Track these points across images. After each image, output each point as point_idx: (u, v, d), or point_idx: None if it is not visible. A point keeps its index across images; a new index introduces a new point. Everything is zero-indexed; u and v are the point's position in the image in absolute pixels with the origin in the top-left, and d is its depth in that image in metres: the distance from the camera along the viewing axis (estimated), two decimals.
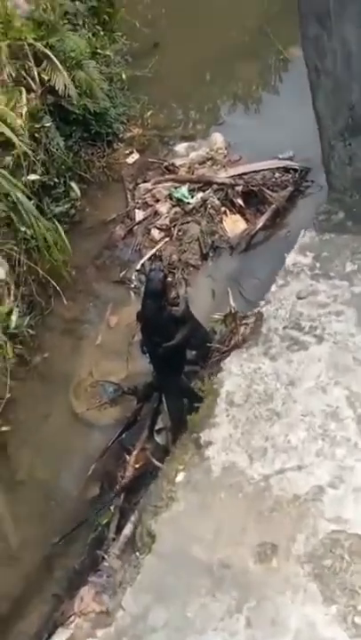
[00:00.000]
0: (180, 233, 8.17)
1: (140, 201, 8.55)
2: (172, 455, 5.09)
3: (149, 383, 6.83)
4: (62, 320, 7.72)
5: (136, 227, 8.36)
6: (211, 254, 8.07)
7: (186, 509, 4.44)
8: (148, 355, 6.41)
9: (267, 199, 8.30)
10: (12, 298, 7.39)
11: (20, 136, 7.56)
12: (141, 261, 8.04)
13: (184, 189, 8.43)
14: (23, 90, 7.87)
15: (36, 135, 7.96)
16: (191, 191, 8.44)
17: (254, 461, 4.53)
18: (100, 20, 9.32)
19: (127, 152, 9.16)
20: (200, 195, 8.40)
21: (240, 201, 8.36)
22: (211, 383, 5.02)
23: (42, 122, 8.03)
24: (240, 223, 8.30)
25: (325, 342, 5.01)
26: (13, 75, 7.89)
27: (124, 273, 8.04)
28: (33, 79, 8.03)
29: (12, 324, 7.17)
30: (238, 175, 8.52)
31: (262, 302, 5.36)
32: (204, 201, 8.33)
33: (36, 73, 8.03)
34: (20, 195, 7.34)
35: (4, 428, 6.79)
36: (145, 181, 8.74)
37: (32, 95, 8.01)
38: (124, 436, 6.72)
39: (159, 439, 6.56)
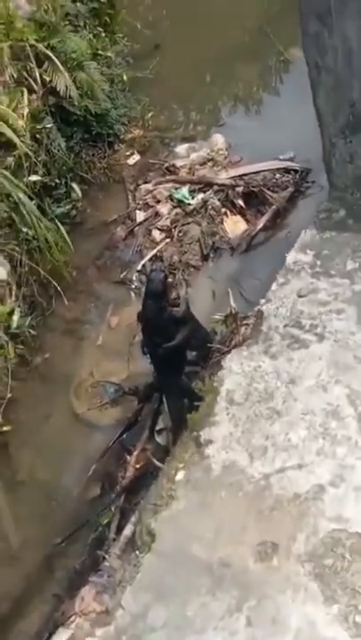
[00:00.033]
0: (180, 234, 8.16)
1: (140, 202, 8.55)
2: (172, 454, 5.08)
3: (150, 384, 6.82)
4: (63, 320, 7.72)
5: (137, 228, 8.36)
6: (211, 255, 8.07)
7: (186, 508, 4.42)
8: (148, 355, 6.41)
9: (267, 200, 8.30)
10: (13, 298, 7.39)
11: (22, 137, 7.57)
12: (142, 262, 8.04)
13: (185, 190, 8.43)
14: (25, 91, 7.88)
15: (38, 136, 7.97)
16: (192, 192, 8.44)
17: (255, 460, 4.51)
18: (101, 21, 9.32)
19: (128, 153, 9.16)
20: (201, 196, 8.40)
21: (241, 202, 8.35)
22: (211, 382, 5.01)
23: (43, 123, 8.04)
24: (241, 224, 8.29)
25: (326, 340, 4.99)
26: (15, 76, 7.90)
27: (124, 274, 8.04)
28: (34, 80, 8.04)
29: (14, 325, 7.18)
30: (239, 176, 8.52)
31: (263, 300, 5.35)
32: (204, 202, 8.33)
33: (37, 74, 8.04)
34: (21, 195, 7.36)
35: (5, 428, 6.79)
36: (146, 182, 8.74)
37: (33, 96, 8.03)
38: (124, 436, 6.71)
39: (160, 440, 6.55)
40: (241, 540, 4.22)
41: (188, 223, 8.23)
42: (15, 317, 7.21)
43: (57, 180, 8.25)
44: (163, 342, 6.09)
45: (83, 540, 6.11)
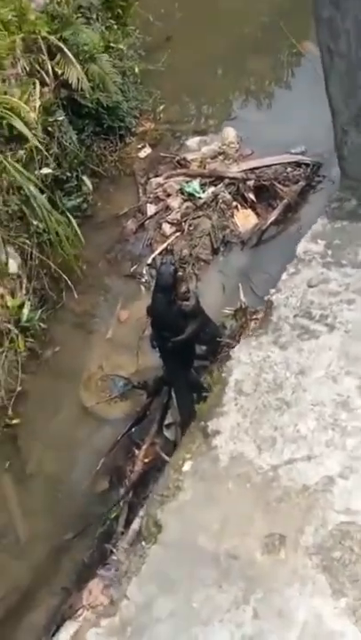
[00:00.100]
0: (191, 227, 8.14)
1: (151, 195, 8.53)
2: (179, 444, 5.04)
3: (159, 378, 6.81)
4: (73, 314, 7.73)
5: (147, 221, 8.35)
6: (222, 249, 8.05)
7: (193, 499, 4.36)
8: (157, 349, 6.39)
9: (278, 194, 8.28)
10: (23, 291, 7.41)
11: (34, 129, 7.57)
12: (152, 256, 8.03)
13: (195, 184, 8.40)
14: (37, 83, 7.88)
15: (49, 129, 7.97)
16: (203, 185, 8.41)
17: (263, 451, 4.44)
18: (113, 13, 9.31)
19: (139, 146, 9.15)
20: (211, 189, 8.37)
21: (252, 195, 8.33)
22: (219, 372, 4.95)
23: (55, 115, 8.05)
24: (251, 218, 8.26)
25: (336, 331, 4.91)
26: (27, 68, 7.92)
27: (135, 267, 8.04)
28: (46, 73, 8.06)
29: (24, 318, 7.20)
30: (250, 170, 8.49)
31: (273, 290, 5.28)
32: (215, 195, 8.30)
33: (49, 66, 8.05)
34: (32, 188, 7.36)
35: (14, 421, 6.82)
36: (157, 176, 8.73)
37: (45, 89, 8.04)
38: (133, 430, 6.70)
39: (168, 434, 6.54)
40: (248, 531, 4.16)
41: (199, 217, 8.20)
42: (25, 310, 7.23)
43: (68, 173, 8.25)
44: (172, 336, 6.08)
45: (91, 533, 6.10)
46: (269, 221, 8.09)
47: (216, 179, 8.46)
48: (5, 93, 7.47)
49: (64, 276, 7.58)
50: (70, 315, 7.70)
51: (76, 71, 8.10)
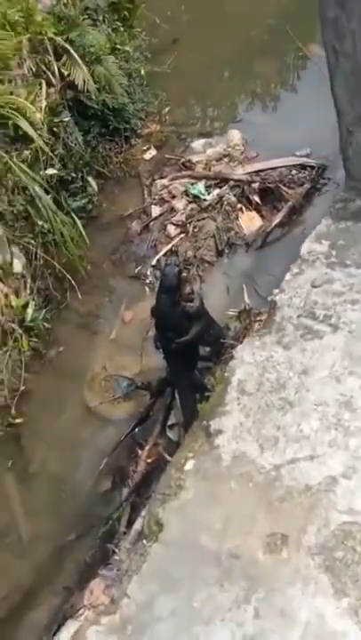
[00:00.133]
0: (195, 229, 8.14)
1: (156, 197, 8.54)
2: (181, 444, 5.03)
3: (163, 379, 6.81)
4: (77, 314, 7.73)
5: (152, 222, 8.35)
6: (226, 251, 8.04)
7: (195, 498, 4.35)
8: (161, 350, 6.39)
9: (283, 196, 8.26)
10: (28, 291, 7.41)
11: (39, 130, 7.59)
12: (157, 257, 8.03)
13: (200, 186, 8.41)
14: (43, 84, 7.90)
15: (55, 129, 7.99)
16: (208, 187, 8.41)
17: (265, 451, 4.44)
18: (120, 15, 9.35)
19: (144, 148, 9.17)
20: (216, 191, 8.37)
21: (256, 198, 8.32)
22: (222, 372, 4.95)
23: (61, 116, 8.07)
24: (256, 220, 8.25)
25: (340, 331, 4.91)
26: (33, 69, 7.95)
27: (139, 268, 8.04)
28: (53, 74, 8.08)
29: (28, 317, 7.20)
30: (255, 172, 8.48)
31: (276, 290, 5.28)
32: (220, 197, 8.30)
33: (55, 67, 8.08)
34: (37, 189, 7.37)
35: (17, 421, 6.80)
36: (162, 177, 8.74)
37: (52, 90, 8.06)
38: (136, 430, 6.69)
39: (171, 435, 6.53)
40: (250, 531, 4.15)
41: (204, 218, 8.20)
42: (30, 310, 7.23)
43: (73, 174, 8.26)
44: (176, 337, 6.07)
45: (93, 533, 6.09)
46: (274, 224, 8.07)
47: (221, 181, 8.46)
48: (11, 94, 7.48)
49: (68, 277, 7.58)
50: (74, 315, 7.70)
51: (82, 72, 8.12)
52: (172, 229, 8.20)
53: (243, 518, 4.21)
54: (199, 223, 8.17)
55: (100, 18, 8.92)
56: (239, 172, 8.51)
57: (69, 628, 4.90)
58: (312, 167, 8.47)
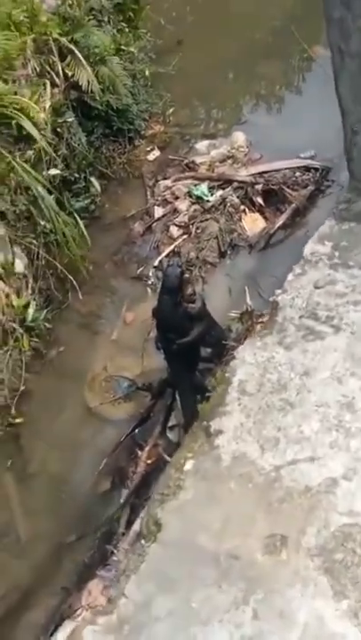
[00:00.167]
0: (198, 230, 8.11)
1: (159, 198, 8.51)
2: (181, 444, 5.01)
3: (164, 380, 6.78)
4: (79, 314, 7.70)
5: (155, 223, 8.32)
6: (229, 252, 8.00)
7: (194, 498, 4.33)
8: (162, 351, 6.37)
9: (287, 198, 8.23)
10: (29, 291, 7.39)
11: (43, 130, 7.57)
12: (159, 258, 8.00)
13: (204, 187, 8.38)
14: (48, 83, 7.89)
15: (59, 130, 7.94)
16: (211, 189, 8.38)
17: (265, 451, 4.42)
18: (125, 16, 9.32)
19: (148, 149, 9.13)
20: (220, 193, 8.34)
21: (260, 199, 8.28)
22: (223, 372, 4.93)
23: (64, 117, 8.02)
24: (259, 222, 8.22)
25: (342, 332, 4.89)
26: (38, 69, 7.91)
27: (141, 269, 8.01)
28: (57, 74, 8.05)
29: (29, 317, 7.17)
30: (259, 174, 8.44)
31: (278, 291, 5.26)
32: (223, 199, 8.27)
33: (60, 68, 8.04)
34: (40, 189, 7.34)
35: (17, 420, 6.77)
36: (165, 178, 8.70)
37: (56, 90, 8.03)
38: (136, 431, 6.67)
39: (172, 436, 6.51)
40: (249, 531, 4.13)
41: (207, 220, 8.17)
42: (31, 310, 7.20)
43: (76, 175, 8.21)
44: (177, 338, 6.05)
45: (92, 534, 6.06)
46: (277, 225, 8.05)
47: (224, 182, 8.43)
48: (15, 94, 7.46)
49: (70, 277, 7.55)
50: (76, 315, 7.67)
51: (87, 73, 8.10)
52: (174, 230, 8.17)
53: (242, 519, 4.19)
54: (202, 224, 8.14)
55: (105, 19, 8.89)
56: (243, 174, 8.48)
57: (67, 629, 4.87)
58: (316, 169, 8.45)
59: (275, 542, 4.09)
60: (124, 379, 7.10)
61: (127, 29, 9.28)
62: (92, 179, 8.47)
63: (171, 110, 9.55)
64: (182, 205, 8.32)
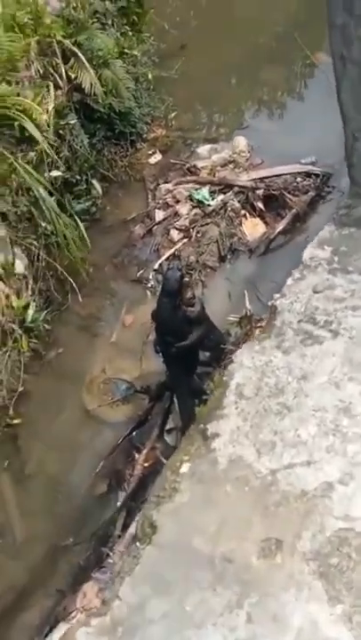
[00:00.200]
0: (198, 234, 8.12)
1: (160, 201, 8.53)
2: (178, 446, 5.01)
3: (162, 383, 6.80)
4: (78, 316, 7.71)
5: (155, 227, 8.33)
6: (229, 257, 8.02)
7: (189, 501, 4.33)
8: (161, 354, 6.37)
9: (287, 203, 8.25)
10: (29, 292, 7.39)
11: (45, 132, 7.59)
12: (159, 261, 8.01)
13: (205, 191, 8.39)
14: (51, 86, 7.91)
15: (61, 132, 7.96)
16: (212, 193, 8.40)
17: (262, 455, 4.42)
18: (129, 20, 9.34)
19: (150, 152, 9.16)
20: (221, 197, 8.36)
21: (260, 204, 8.30)
22: (221, 375, 4.94)
23: (67, 119, 8.04)
24: (260, 226, 8.24)
25: (340, 337, 4.90)
26: (41, 71, 7.93)
27: (141, 272, 8.02)
28: (60, 76, 8.06)
29: (29, 318, 7.18)
30: (260, 179, 8.46)
31: (277, 295, 5.27)
32: (224, 203, 8.29)
33: (63, 70, 8.06)
34: (42, 190, 7.36)
35: (15, 421, 6.77)
36: (166, 182, 8.72)
37: (59, 92, 8.04)
38: (134, 434, 6.67)
39: (169, 439, 6.52)
40: (245, 535, 4.12)
41: (207, 224, 8.18)
42: (30, 311, 7.21)
43: (78, 177, 8.23)
44: (176, 342, 6.05)
45: (88, 536, 6.05)
46: (277, 230, 8.07)
47: (225, 187, 8.45)
48: (18, 95, 7.47)
49: (70, 279, 7.56)
50: (75, 317, 7.68)
51: (90, 76, 8.12)
52: (175, 234, 8.18)
53: (238, 522, 4.19)
54: (202, 228, 8.15)
55: (109, 22, 8.91)
56: (244, 179, 8.50)
57: (60, 630, 4.85)
58: (317, 175, 8.47)
59: (270, 546, 4.08)
60: (123, 381, 7.10)
61: (131, 33, 9.30)
62: (94, 181, 8.49)
63: (173, 114, 9.58)
64: (183, 209, 8.34)
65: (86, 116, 8.46)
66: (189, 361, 6.35)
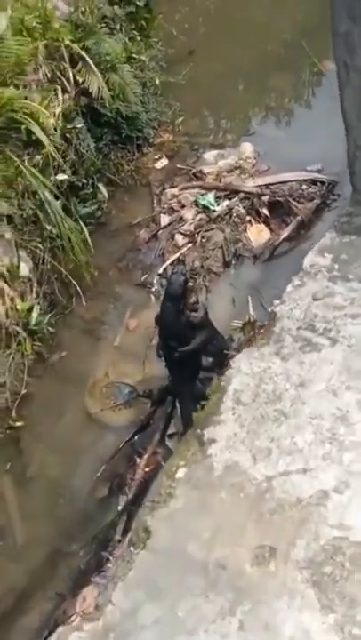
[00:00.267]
0: (203, 239, 8.14)
1: (166, 206, 8.55)
2: (174, 451, 5.01)
3: (164, 387, 6.80)
4: (82, 320, 7.73)
5: (160, 231, 8.36)
6: (233, 262, 8.03)
7: (184, 506, 4.32)
8: (163, 359, 6.38)
9: (292, 210, 8.25)
10: (33, 295, 7.42)
11: (52, 136, 7.62)
12: (164, 266, 8.03)
13: (210, 196, 8.42)
14: (58, 89, 7.95)
15: (68, 135, 8.00)
16: (217, 199, 8.42)
17: (258, 462, 4.40)
18: (137, 25, 9.39)
19: (156, 157, 9.18)
20: (226, 202, 8.38)
21: (266, 211, 8.31)
22: (218, 381, 4.94)
23: (74, 123, 8.07)
24: (264, 233, 8.25)
25: (339, 345, 4.88)
26: (49, 75, 7.96)
27: (145, 276, 8.05)
28: (67, 80, 8.09)
29: (33, 321, 7.19)
30: (265, 185, 8.47)
31: (277, 302, 5.27)
32: (229, 209, 8.30)
33: (70, 74, 8.09)
34: (47, 194, 7.39)
35: (18, 423, 6.79)
36: (172, 187, 8.74)
37: (66, 96, 8.08)
38: (136, 438, 6.68)
39: (171, 444, 6.51)
40: (239, 542, 4.11)
41: (212, 229, 8.20)
42: (34, 314, 7.23)
43: (84, 181, 8.26)
44: (179, 346, 6.07)
45: (89, 540, 6.06)
46: (282, 237, 8.07)
47: (231, 192, 8.47)
48: (26, 98, 7.51)
49: (74, 282, 7.58)
50: (79, 320, 7.70)
51: (97, 80, 8.15)
52: (180, 239, 8.20)
53: (232, 529, 4.17)
54: (207, 234, 8.17)
55: (118, 27, 8.95)
56: (249, 185, 8.51)
57: (59, 635, 4.86)
58: (323, 183, 8.46)
59: (264, 553, 4.06)
60: (125, 385, 7.11)
61: (139, 38, 9.34)
62: (100, 185, 8.52)
63: (180, 119, 9.61)
64: (188, 214, 8.36)
65: (93, 120, 8.49)
66: (192, 366, 6.36)
